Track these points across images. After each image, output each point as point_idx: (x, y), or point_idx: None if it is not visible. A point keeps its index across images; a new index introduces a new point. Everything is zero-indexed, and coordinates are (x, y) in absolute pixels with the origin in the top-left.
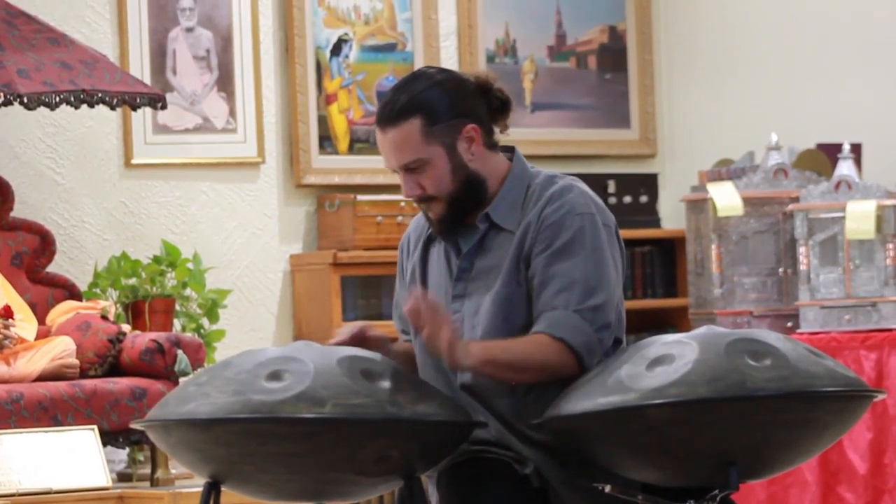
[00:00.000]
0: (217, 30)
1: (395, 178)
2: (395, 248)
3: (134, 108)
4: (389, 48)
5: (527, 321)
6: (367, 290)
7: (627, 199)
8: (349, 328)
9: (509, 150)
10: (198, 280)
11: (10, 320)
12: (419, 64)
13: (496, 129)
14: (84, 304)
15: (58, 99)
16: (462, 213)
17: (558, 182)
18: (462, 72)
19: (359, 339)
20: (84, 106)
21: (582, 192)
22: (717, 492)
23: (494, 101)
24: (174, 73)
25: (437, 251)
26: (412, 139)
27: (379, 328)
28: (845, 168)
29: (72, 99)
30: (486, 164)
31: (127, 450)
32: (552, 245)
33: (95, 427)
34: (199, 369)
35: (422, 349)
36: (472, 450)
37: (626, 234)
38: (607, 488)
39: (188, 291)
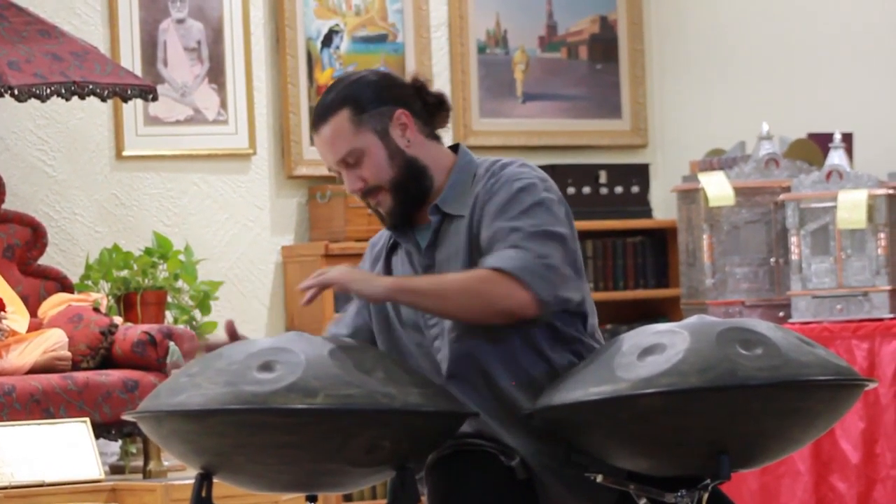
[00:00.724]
0: (208, 21)
1: None
2: None
3: (125, 100)
4: (380, 39)
5: None
6: None
7: (619, 189)
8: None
9: (454, 147)
10: (189, 272)
11: (2, 313)
12: (410, 55)
13: (437, 127)
14: (76, 296)
15: (49, 91)
16: (410, 200)
17: (500, 161)
18: (450, 62)
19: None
20: (75, 98)
21: (523, 163)
22: (708, 481)
23: (430, 97)
24: (165, 64)
25: (400, 258)
26: (343, 131)
27: None
28: (836, 158)
29: (63, 91)
30: (425, 153)
31: (119, 442)
32: (491, 210)
33: (88, 419)
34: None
35: (409, 344)
36: (457, 443)
37: (617, 224)
38: (599, 478)
39: (180, 283)
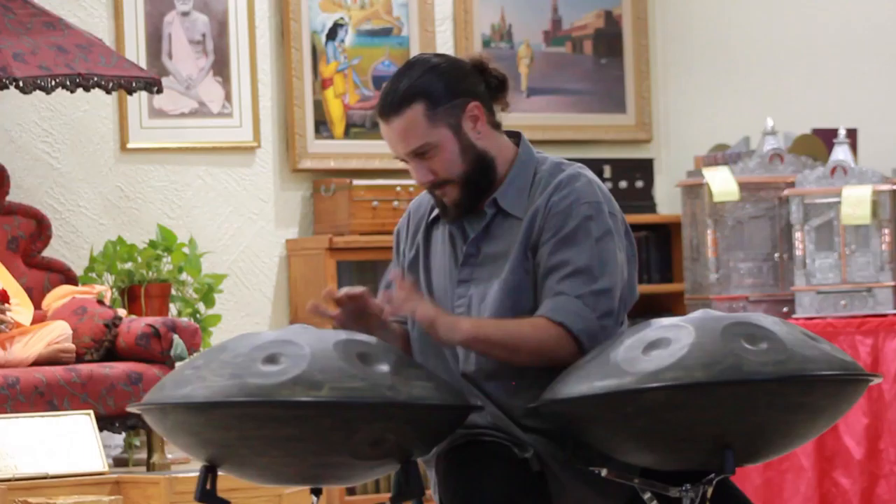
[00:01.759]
0: (213, 14)
1: (392, 163)
2: (390, 232)
3: (130, 93)
4: (385, 33)
5: (533, 310)
6: (362, 275)
7: (623, 184)
8: (350, 289)
9: (515, 136)
10: (194, 264)
11: (6, 305)
12: (415, 49)
13: (498, 109)
14: (80, 288)
15: (53, 83)
16: (477, 193)
17: (566, 169)
18: (456, 55)
19: (359, 301)
20: (80, 90)
21: (590, 180)
22: (713, 475)
23: (492, 80)
24: (170, 57)
25: (441, 235)
26: (417, 125)
27: None
28: (841, 153)
29: (67, 83)
30: (492, 144)
31: (123, 434)
32: (559, 233)
33: (91, 412)
34: (194, 353)
35: (420, 335)
36: (470, 433)
37: None
38: (603, 472)
39: (184, 276)
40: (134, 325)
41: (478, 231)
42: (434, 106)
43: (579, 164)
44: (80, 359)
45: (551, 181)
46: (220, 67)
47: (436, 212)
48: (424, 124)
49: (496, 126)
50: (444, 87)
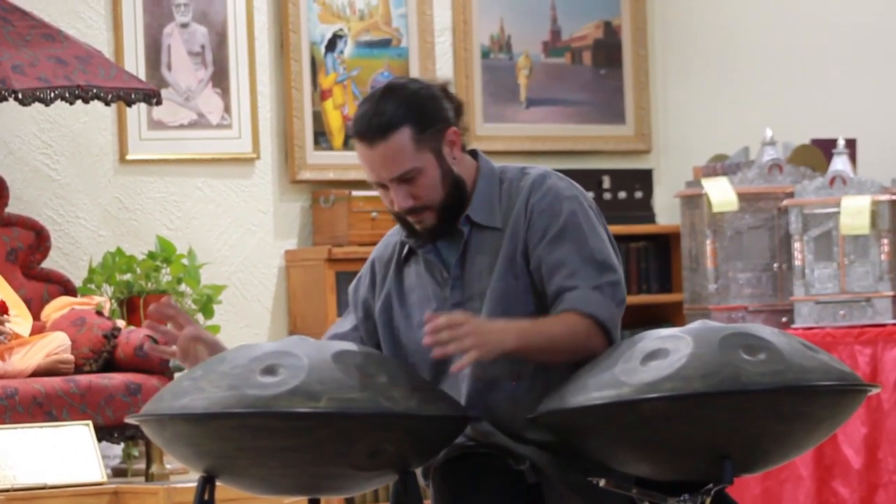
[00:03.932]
0: (212, 26)
1: None
2: None
3: (129, 104)
4: (384, 44)
5: (527, 313)
6: None
7: (622, 194)
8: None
9: (472, 152)
10: (192, 276)
11: (6, 316)
12: (414, 60)
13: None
14: (79, 299)
15: (52, 95)
16: (451, 219)
17: (531, 171)
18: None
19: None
20: (79, 102)
21: (560, 177)
22: (711, 485)
23: (455, 103)
24: (169, 68)
25: (415, 270)
26: (404, 149)
27: None
28: (840, 163)
29: (66, 95)
30: (462, 167)
31: (122, 445)
32: (549, 232)
33: (90, 422)
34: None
35: (417, 348)
36: (466, 444)
37: (620, 229)
38: (602, 482)
39: (183, 287)
40: (133, 335)
41: (458, 252)
42: (421, 131)
43: (543, 167)
44: (78, 370)
45: (522, 185)
46: (220, 79)
47: (406, 248)
48: (411, 149)
49: (463, 148)
50: (430, 112)
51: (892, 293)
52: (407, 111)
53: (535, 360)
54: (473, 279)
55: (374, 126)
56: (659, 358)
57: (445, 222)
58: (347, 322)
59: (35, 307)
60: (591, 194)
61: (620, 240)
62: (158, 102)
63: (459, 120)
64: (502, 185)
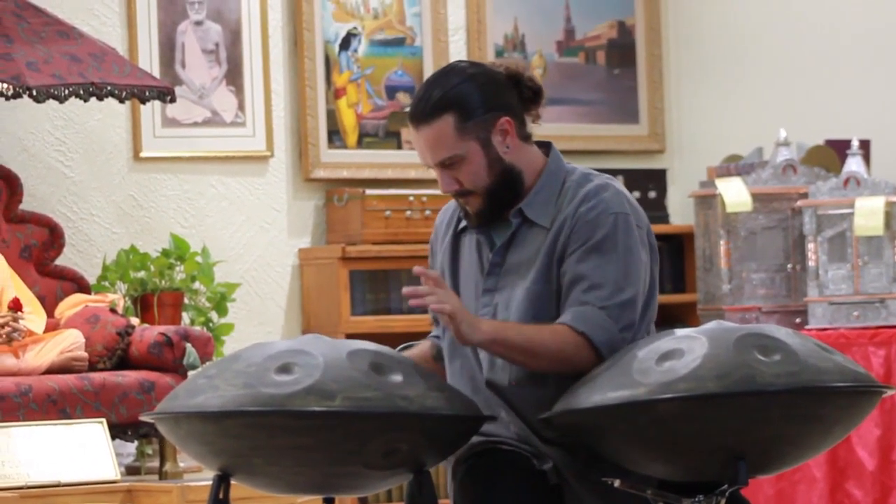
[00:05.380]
0: (226, 23)
1: (405, 173)
2: (403, 242)
3: (143, 102)
4: (398, 42)
5: (553, 319)
6: (375, 285)
7: (636, 194)
8: None
9: (545, 146)
10: (206, 273)
11: (19, 313)
12: (428, 58)
13: (529, 120)
14: (93, 297)
15: (67, 92)
16: (500, 205)
17: (594, 180)
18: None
19: None
20: (93, 99)
21: (617, 191)
22: (725, 487)
23: (526, 91)
24: (183, 66)
25: (469, 242)
26: (446, 136)
27: (387, 322)
28: (854, 164)
29: (81, 92)
30: (521, 157)
31: (135, 443)
32: (585, 243)
33: (104, 420)
34: (207, 362)
35: (451, 339)
36: (490, 440)
37: None
38: (617, 483)
39: (197, 285)
40: (147, 333)
41: (503, 240)
42: (465, 119)
43: (608, 176)
44: (92, 367)
45: (579, 191)
46: (234, 77)
47: (464, 222)
48: (454, 136)
49: (526, 138)
50: (478, 100)
51: None
52: (454, 98)
53: (516, 361)
54: (511, 271)
55: (419, 111)
56: (674, 358)
57: (494, 209)
58: None
59: (49, 304)
60: None
61: None
62: (172, 100)
63: (533, 107)
64: (564, 185)
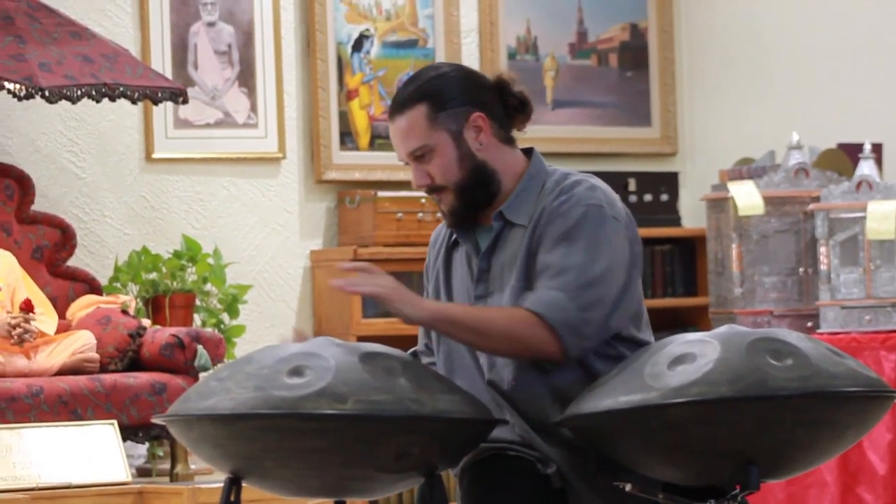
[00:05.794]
0: (239, 25)
1: None
2: (415, 244)
3: (155, 103)
4: (411, 44)
5: None
6: None
7: (648, 197)
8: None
9: (528, 151)
10: (218, 275)
11: (31, 314)
12: (440, 60)
13: (514, 129)
14: (104, 298)
15: (79, 92)
16: (473, 203)
17: (571, 177)
18: (482, 70)
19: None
20: (105, 100)
21: (592, 185)
22: (737, 491)
23: (512, 100)
24: (195, 67)
25: (460, 255)
26: (418, 125)
27: (399, 325)
28: (866, 168)
29: (93, 93)
30: (497, 157)
31: (146, 445)
32: (554, 234)
33: (115, 421)
34: (219, 364)
35: (446, 351)
36: (495, 447)
37: (646, 232)
38: (627, 487)
39: (208, 286)
40: (158, 335)
41: (487, 245)
42: (437, 110)
43: (590, 175)
44: (104, 369)
45: (555, 189)
46: (246, 78)
47: (455, 236)
48: (425, 126)
49: (506, 140)
50: (452, 93)
51: None
52: (427, 89)
53: (463, 340)
54: (496, 275)
55: (394, 102)
56: (686, 362)
57: (467, 207)
58: None
59: (61, 305)
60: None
61: (645, 243)
62: (185, 101)
63: (519, 116)
64: (544, 186)
